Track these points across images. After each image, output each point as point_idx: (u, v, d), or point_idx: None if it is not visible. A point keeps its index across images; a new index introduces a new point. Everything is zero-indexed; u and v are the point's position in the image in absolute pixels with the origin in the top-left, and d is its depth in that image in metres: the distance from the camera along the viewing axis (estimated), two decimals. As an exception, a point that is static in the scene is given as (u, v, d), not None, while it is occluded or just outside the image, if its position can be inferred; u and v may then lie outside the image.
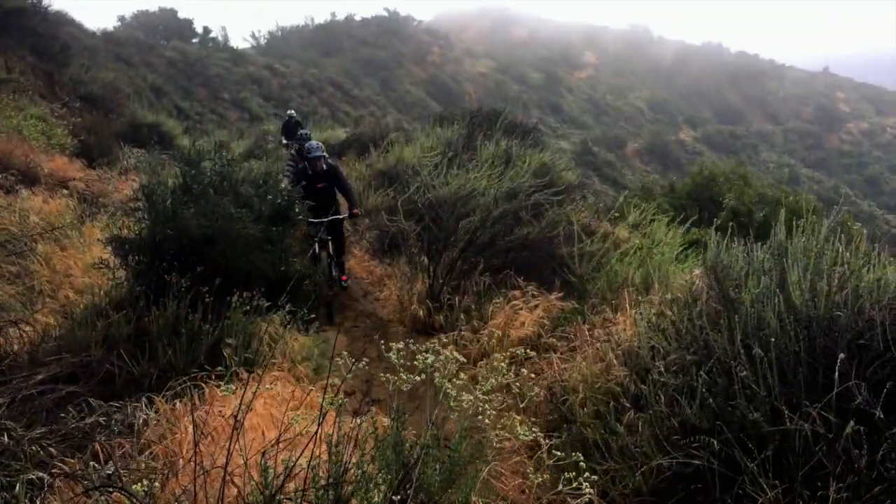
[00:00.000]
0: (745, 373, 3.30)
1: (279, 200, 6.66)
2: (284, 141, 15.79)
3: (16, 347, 5.09)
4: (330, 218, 8.56)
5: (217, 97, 45.17)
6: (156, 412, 3.96)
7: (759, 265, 3.91)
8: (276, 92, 50.06)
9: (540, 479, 3.01)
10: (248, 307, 5.57)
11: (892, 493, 2.88)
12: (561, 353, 5.46)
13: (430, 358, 2.06)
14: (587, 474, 3.10)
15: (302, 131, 12.36)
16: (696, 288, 4.49)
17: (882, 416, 2.99)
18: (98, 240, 7.73)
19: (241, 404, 2.26)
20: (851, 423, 2.90)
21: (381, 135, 18.36)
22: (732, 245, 4.30)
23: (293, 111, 19.58)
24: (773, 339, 3.26)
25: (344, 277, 8.92)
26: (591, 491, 2.83)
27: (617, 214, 10.27)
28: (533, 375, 5.43)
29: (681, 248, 8.05)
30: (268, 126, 24.77)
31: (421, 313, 7.13)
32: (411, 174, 9.88)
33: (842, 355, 3.03)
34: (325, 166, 8.75)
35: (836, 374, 2.99)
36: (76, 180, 9.85)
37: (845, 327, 3.21)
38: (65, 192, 9.28)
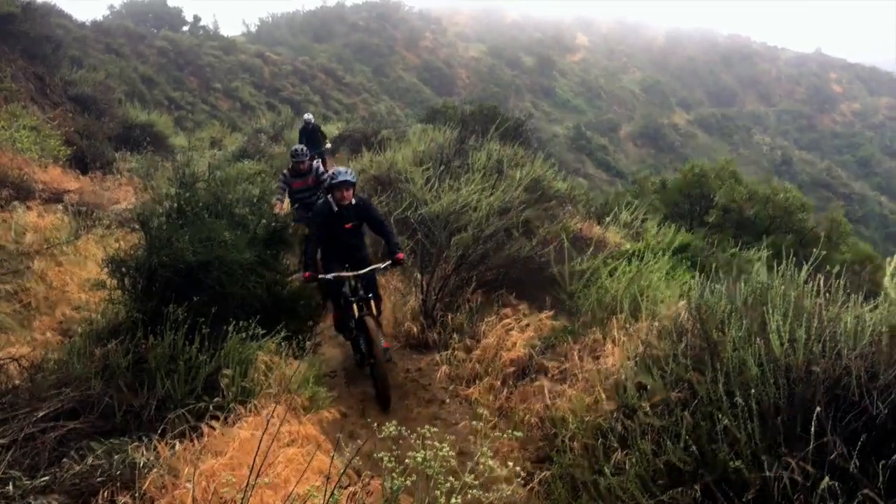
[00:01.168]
0: (726, 421, 3.42)
1: (273, 223, 6.74)
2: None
3: (17, 382, 5.18)
4: (369, 269, 6.59)
5: (209, 87, 45.01)
6: (156, 456, 4.05)
7: (740, 306, 4.02)
8: (267, 80, 49.88)
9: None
10: (245, 335, 5.66)
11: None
12: (552, 376, 5.59)
13: (420, 455, 2.16)
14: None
15: (296, 147, 10.13)
16: (683, 320, 4.59)
17: (857, 465, 3.11)
18: (95, 262, 7.81)
19: (245, 491, 2.35)
20: (826, 478, 3.02)
21: (373, 131, 18.41)
22: (716, 283, 4.40)
23: (311, 116, 16.51)
24: (752, 390, 3.38)
25: (386, 344, 6.48)
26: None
27: (608, 219, 10.41)
28: (527, 396, 5.58)
29: (672, 253, 8.17)
30: (261, 121, 24.71)
31: (415, 330, 7.25)
32: (404, 181, 9.97)
33: (818, 409, 3.15)
34: (353, 199, 6.67)
35: (813, 429, 3.11)
36: (71, 192, 9.89)
37: (822, 378, 3.32)
38: (59, 206, 9.32)
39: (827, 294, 3.92)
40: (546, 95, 74.26)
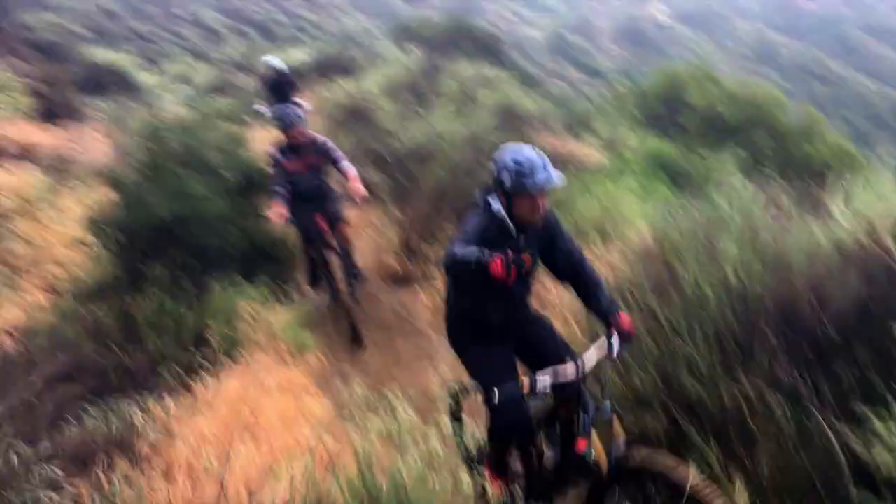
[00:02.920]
0: (686, 350, 3.61)
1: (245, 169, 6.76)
2: (266, 111, 7.53)
3: (10, 350, 5.33)
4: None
5: (171, 15, 43.61)
6: (151, 416, 4.24)
7: (699, 234, 4.16)
8: (232, 3, 48.32)
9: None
10: (228, 284, 5.79)
11: (817, 454, 3.24)
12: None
13: (383, 424, 2.32)
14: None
15: (280, 108, 6.43)
16: (648, 246, 4.74)
17: (808, 382, 3.32)
18: (74, 218, 7.84)
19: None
20: (778, 396, 3.23)
21: (345, 55, 18.03)
22: (680, 208, 4.52)
23: (277, 60, 8.87)
24: (709, 319, 3.56)
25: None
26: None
27: (583, 132, 10.44)
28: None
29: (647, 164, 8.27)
30: (228, 51, 24.02)
31: (396, 265, 7.37)
32: (376, 110, 9.91)
33: (774, 341, 3.33)
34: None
35: (767, 357, 3.30)
36: (42, 147, 9.82)
37: (773, 305, 3.49)
38: (31, 163, 9.28)
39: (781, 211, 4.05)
40: (521, -3, 72.35)
